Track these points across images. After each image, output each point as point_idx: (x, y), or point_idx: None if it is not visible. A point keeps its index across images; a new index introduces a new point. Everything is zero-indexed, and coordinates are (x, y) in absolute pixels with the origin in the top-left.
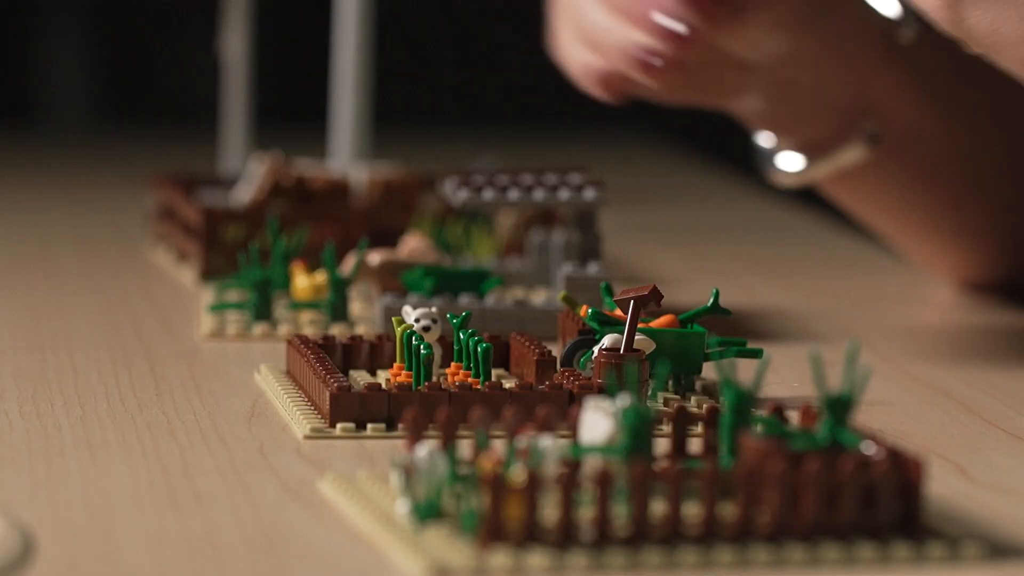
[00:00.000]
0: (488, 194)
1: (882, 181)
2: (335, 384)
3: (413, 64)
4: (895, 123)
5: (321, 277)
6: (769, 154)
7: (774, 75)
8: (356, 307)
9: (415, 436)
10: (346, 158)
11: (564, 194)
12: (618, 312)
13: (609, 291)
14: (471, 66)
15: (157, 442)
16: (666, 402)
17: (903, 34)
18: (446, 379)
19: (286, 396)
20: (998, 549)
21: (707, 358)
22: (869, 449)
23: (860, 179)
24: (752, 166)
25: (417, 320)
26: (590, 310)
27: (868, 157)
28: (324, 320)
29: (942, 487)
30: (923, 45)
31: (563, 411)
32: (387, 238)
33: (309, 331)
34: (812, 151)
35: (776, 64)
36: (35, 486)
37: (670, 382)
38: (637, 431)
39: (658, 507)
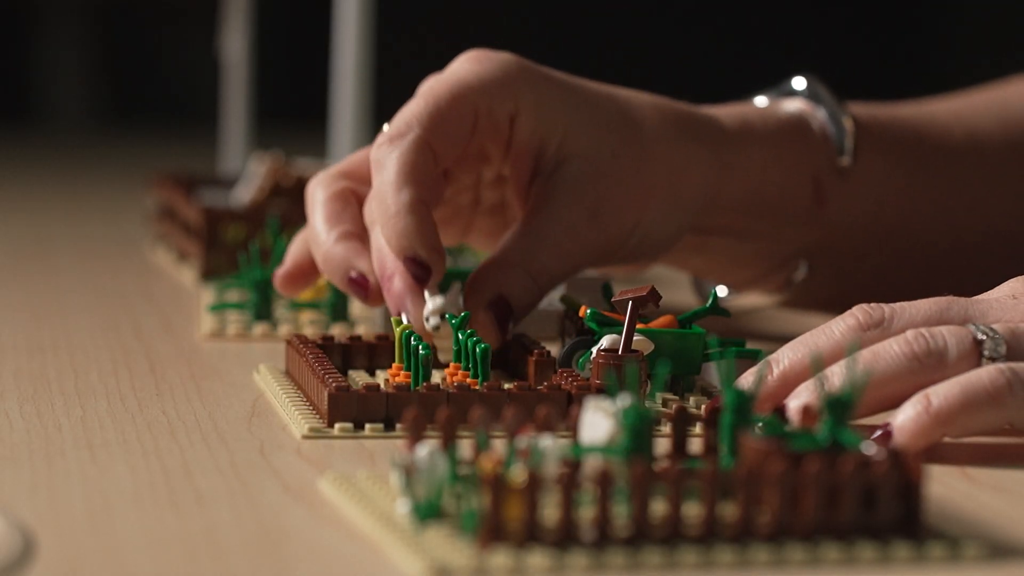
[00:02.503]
0: None
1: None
2: (333, 384)
3: (413, 64)
4: (832, 255)
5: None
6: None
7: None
8: (356, 307)
9: (415, 436)
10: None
11: None
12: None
13: (608, 291)
14: None
15: (157, 442)
16: (665, 403)
17: (841, 160)
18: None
19: (284, 396)
20: (998, 549)
21: (706, 359)
22: (869, 449)
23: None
24: None
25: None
26: (589, 310)
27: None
28: (324, 320)
29: (942, 487)
30: (859, 168)
31: (563, 411)
32: None
33: (309, 331)
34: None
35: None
36: (35, 486)
37: (668, 383)
38: (637, 431)
39: (658, 507)
